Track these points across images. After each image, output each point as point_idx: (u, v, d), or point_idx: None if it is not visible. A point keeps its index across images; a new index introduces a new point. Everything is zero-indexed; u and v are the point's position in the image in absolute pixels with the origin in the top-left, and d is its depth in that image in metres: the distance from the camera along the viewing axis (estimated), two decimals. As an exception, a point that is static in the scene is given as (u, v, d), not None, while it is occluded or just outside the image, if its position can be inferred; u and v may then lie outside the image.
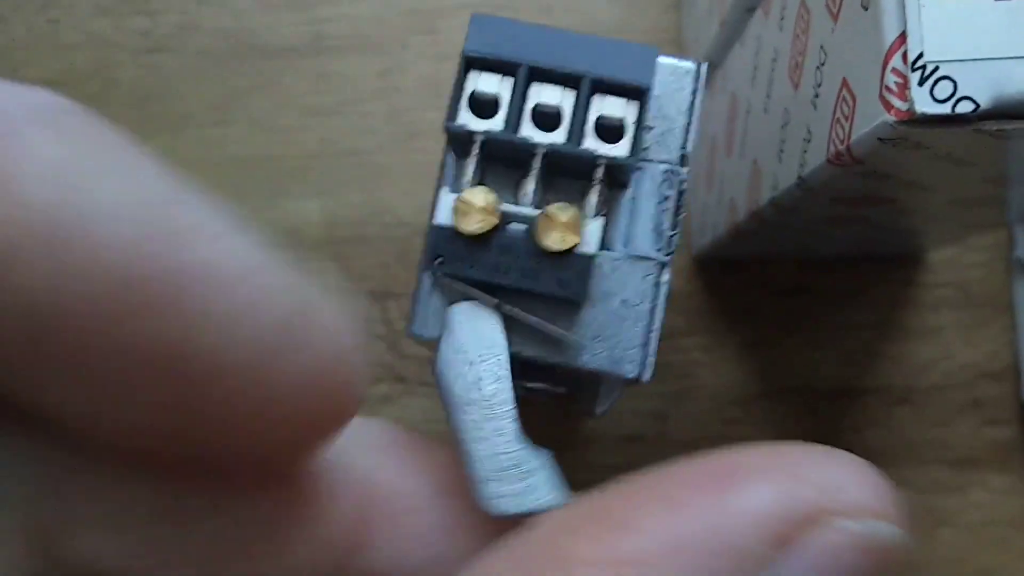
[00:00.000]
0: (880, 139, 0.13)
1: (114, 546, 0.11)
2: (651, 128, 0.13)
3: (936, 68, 0.12)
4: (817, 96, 0.15)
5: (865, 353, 0.25)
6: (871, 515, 0.10)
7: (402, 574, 0.13)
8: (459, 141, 0.13)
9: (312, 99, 0.26)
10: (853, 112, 0.14)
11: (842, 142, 0.14)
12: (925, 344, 0.25)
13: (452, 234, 0.12)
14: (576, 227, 0.12)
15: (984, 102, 0.12)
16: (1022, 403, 0.25)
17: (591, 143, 0.13)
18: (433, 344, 0.13)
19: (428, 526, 0.13)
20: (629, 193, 0.13)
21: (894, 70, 0.12)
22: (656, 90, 0.13)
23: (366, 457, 0.13)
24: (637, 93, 0.13)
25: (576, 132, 0.13)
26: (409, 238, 0.26)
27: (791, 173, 0.16)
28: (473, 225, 0.12)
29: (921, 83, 0.12)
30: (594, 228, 0.12)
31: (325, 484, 0.12)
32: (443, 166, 0.13)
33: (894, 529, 0.10)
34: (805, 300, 0.25)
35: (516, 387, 0.13)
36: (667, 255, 0.13)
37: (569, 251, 0.12)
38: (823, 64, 0.15)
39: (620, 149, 0.13)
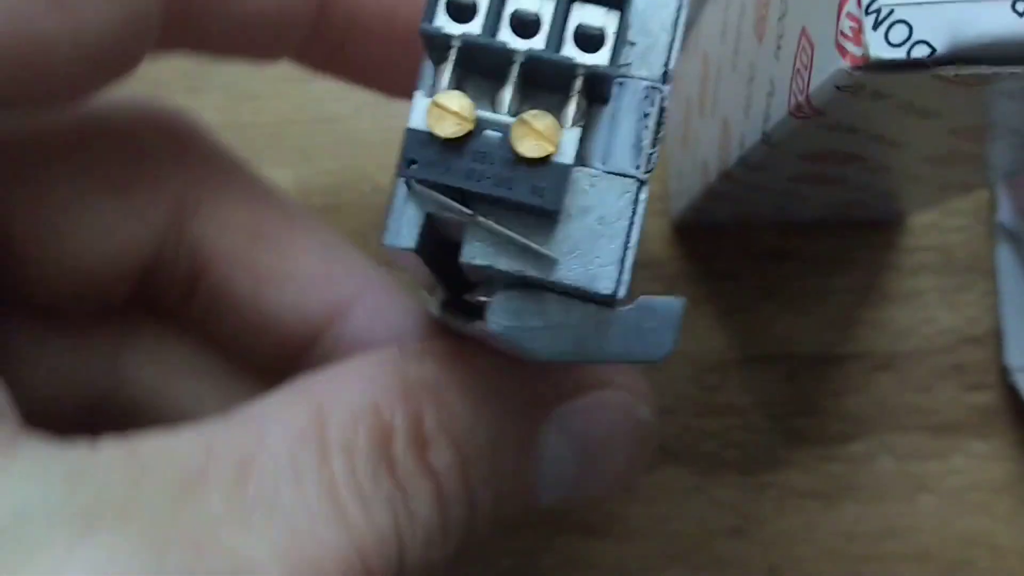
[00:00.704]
0: (838, 87, 0.13)
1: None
2: (633, 44, 0.13)
3: (891, 12, 0.12)
4: (779, 48, 0.15)
5: (846, 318, 0.25)
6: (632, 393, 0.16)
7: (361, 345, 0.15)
8: (435, 46, 0.12)
9: (286, 65, 0.26)
10: (811, 61, 0.13)
11: (802, 92, 0.14)
12: (906, 309, 0.25)
13: (426, 138, 0.12)
14: (553, 135, 0.12)
15: (941, 46, 0.12)
16: (1004, 368, 0.24)
17: (570, 51, 0.12)
18: (406, 255, 0.13)
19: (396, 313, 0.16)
20: (609, 109, 0.13)
21: (849, 15, 0.12)
22: (639, 4, 0.13)
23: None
24: (618, 1, 0.12)
25: (555, 39, 0.12)
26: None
27: (756, 129, 0.16)
28: (448, 129, 0.12)
29: (875, 27, 0.12)
30: (571, 137, 0.12)
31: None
32: (420, 74, 0.13)
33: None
34: (785, 265, 0.25)
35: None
36: (646, 172, 0.13)
37: (545, 159, 0.12)
38: (784, 15, 0.15)
39: (600, 58, 0.12)
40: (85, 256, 0.14)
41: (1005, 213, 0.25)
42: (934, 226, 0.25)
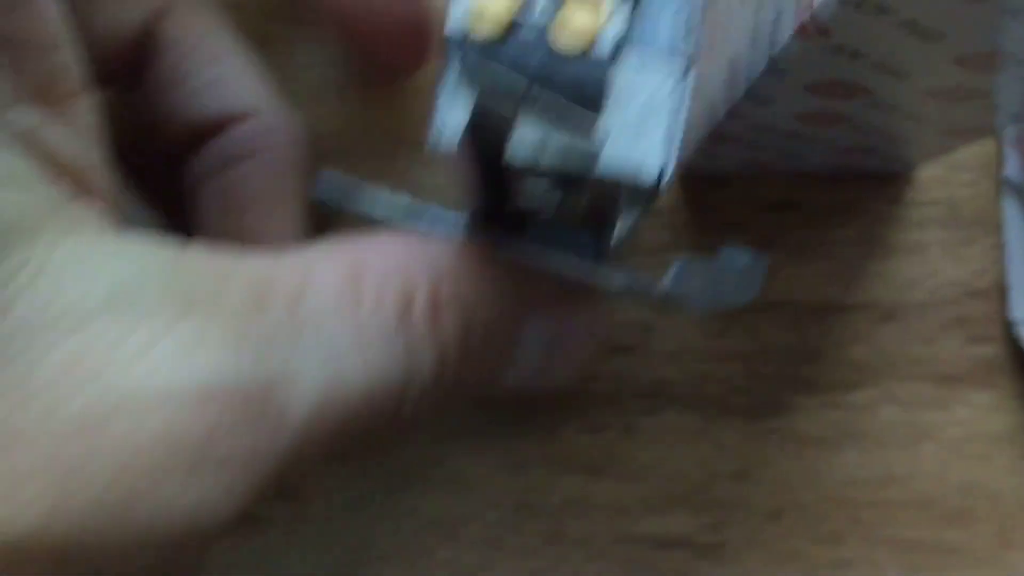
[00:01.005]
0: (842, 1, 0.13)
1: None
2: None
3: (894, -80, 0.12)
4: (786, -29, 0.15)
5: (851, 269, 0.25)
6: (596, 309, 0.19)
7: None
8: None
9: None
10: (817, -22, 0.14)
11: (807, 11, 0.14)
12: (911, 261, 0.25)
13: (467, 36, 0.12)
14: (593, 26, 0.12)
15: (943, -46, 0.12)
16: (1007, 321, 0.25)
17: None
18: (453, 147, 0.13)
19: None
20: None
21: (853, -75, 0.12)
22: None
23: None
24: None
25: None
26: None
27: (763, 58, 0.16)
28: (489, 24, 0.12)
29: (878, -65, 0.12)
30: (612, 28, 0.12)
31: None
32: None
33: None
34: (792, 216, 0.25)
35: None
36: (692, 52, 0.13)
37: (588, 49, 0.12)
38: (792, -63, 0.15)
39: None
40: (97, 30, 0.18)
41: (1012, 168, 0.25)
42: (941, 180, 0.25)
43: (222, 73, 0.19)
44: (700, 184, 0.26)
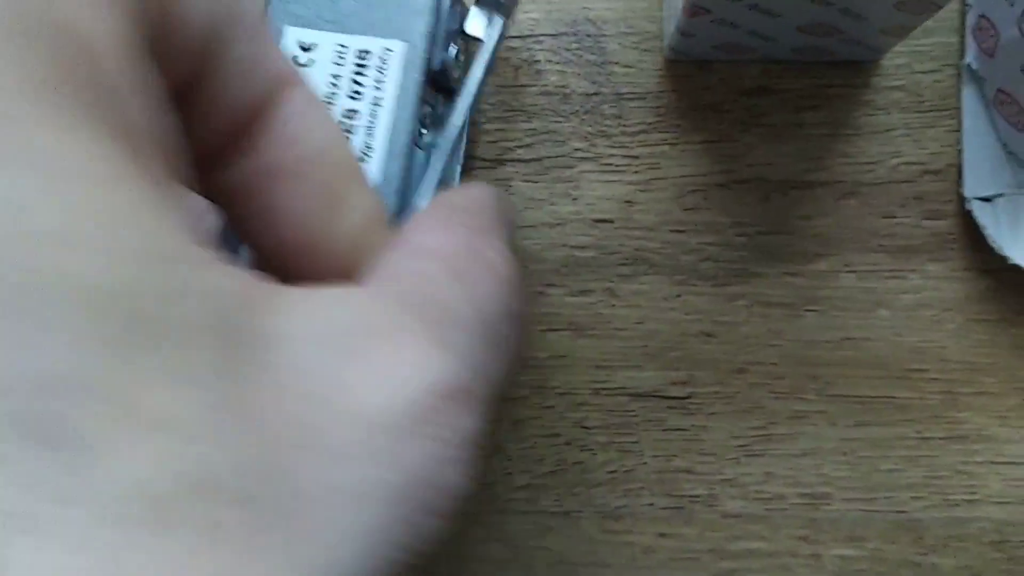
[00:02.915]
0: None
1: None
2: None
3: None
4: None
5: (818, 149, 0.27)
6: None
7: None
8: None
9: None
10: None
11: None
12: (875, 143, 0.27)
13: None
14: None
15: None
16: (962, 198, 0.27)
17: None
18: None
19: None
20: None
21: None
22: None
23: None
24: None
25: None
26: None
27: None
28: None
29: None
30: None
31: None
32: None
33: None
34: (766, 100, 0.27)
35: None
36: None
37: None
38: None
39: None
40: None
41: (971, 56, 0.27)
42: (905, 68, 0.27)
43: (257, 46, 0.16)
44: (683, 69, 0.28)
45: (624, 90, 0.28)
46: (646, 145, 0.28)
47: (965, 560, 0.26)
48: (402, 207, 0.19)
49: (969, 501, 0.27)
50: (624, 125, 0.28)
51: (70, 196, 0.10)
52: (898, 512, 0.27)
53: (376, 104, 0.20)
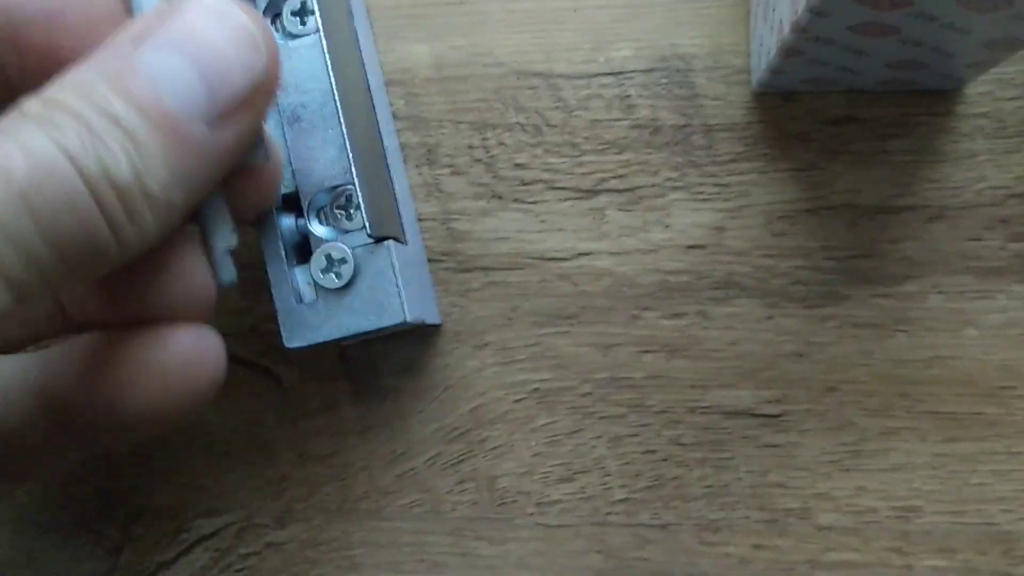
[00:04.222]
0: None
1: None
2: None
3: None
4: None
5: (904, 175, 0.28)
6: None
7: None
8: None
9: (423, -42, 0.30)
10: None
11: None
12: (960, 168, 0.28)
13: None
14: None
15: None
16: (1047, 220, 0.28)
17: None
18: None
19: None
20: None
21: None
22: None
23: None
24: None
25: None
26: (504, 76, 0.30)
27: (820, -26, 0.20)
28: None
29: None
30: None
31: None
32: None
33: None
34: (852, 128, 0.29)
35: None
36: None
37: None
38: None
39: None
40: None
41: (1055, 83, 0.28)
42: (988, 95, 0.28)
43: None
44: (771, 101, 0.29)
45: (713, 122, 0.29)
46: (735, 174, 0.29)
47: (1057, 572, 0.27)
48: None
49: (1060, 514, 0.27)
50: (713, 155, 0.29)
51: None
52: (988, 524, 0.28)
53: None
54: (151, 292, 0.21)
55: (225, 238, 0.21)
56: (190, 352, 0.21)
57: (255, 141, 0.21)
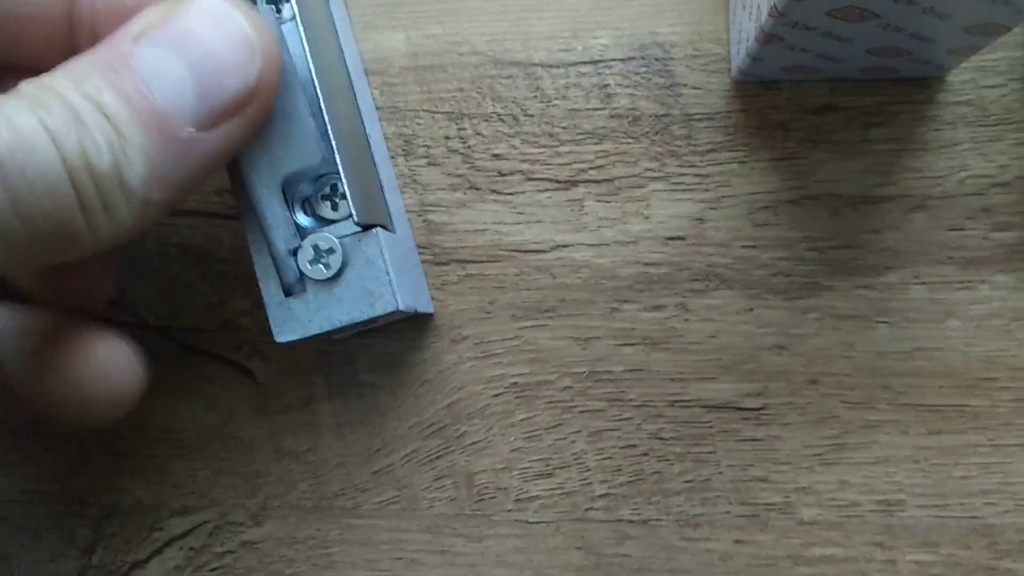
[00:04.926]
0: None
1: None
2: None
3: None
4: None
5: (886, 165, 0.28)
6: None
7: None
8: None
9: (398, -55, 0.30)
10: None
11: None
12: (942, 157, 0.28)
13: None
14: None
15: None
16: (1030, 210, 0.27)
17: None
18: None
19: None
20: None
21: None
22: None
23: None
24: None
25: None
26: (481, 65, 0.29)
27: (796, -43, 0.19)
28: None
29: None
30: None
31: None
32: None
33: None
34: (833, 117, 0.28)
35: None
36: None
37: None
38: None
39: None
40: None
41: (1038, 70, 0.27)
42: (971, 82, 0.28)
43: None
44: (750, 89, 0.29)
45: (693, 111, 0.29)
46: (715, 164, 0.29)
47: (1040, 565, 0.27)
48: None
49: (1043, 507, 0.27)
50: (693, 145, 0.29)
51: None
52: (972, 518, 0.27)
53: None
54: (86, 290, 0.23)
55: (287, 240, 0.23)
56: (109, 367, 0.22)
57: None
